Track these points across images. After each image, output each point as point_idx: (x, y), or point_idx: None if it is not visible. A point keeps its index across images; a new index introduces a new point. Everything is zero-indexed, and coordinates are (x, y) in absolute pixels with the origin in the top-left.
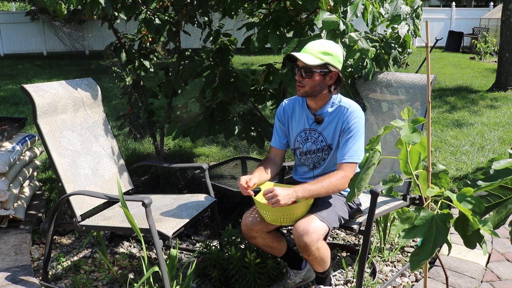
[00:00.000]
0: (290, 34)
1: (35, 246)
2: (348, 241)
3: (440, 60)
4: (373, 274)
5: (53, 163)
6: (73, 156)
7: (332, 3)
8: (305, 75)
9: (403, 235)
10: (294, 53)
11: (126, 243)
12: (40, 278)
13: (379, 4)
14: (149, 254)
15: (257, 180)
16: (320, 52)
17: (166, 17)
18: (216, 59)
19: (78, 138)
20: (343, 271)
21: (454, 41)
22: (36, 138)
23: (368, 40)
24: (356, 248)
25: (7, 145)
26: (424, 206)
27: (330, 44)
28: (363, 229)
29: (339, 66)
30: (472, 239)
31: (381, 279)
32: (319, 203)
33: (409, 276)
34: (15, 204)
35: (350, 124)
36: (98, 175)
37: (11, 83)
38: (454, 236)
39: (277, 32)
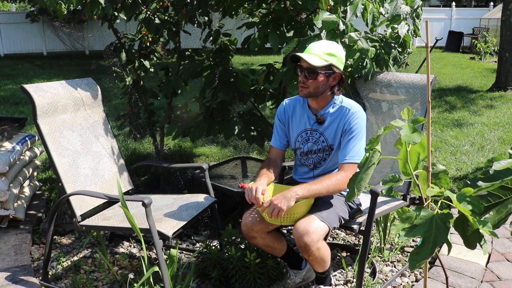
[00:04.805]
0: (290, 34)
1: (35, 246)
2: (348, 241)
3: (440, 60)
4: (373, 274)
5: (53, 163)
6: (73, 156)
7: (332, 3)
8: (309, 76)
9: (403, 234)
10: (299, 54)
11: (126, 243)
12: (40, 278)
13: (379, 4)
14: (149, 254)
15: (266, 186)
16: (325, 53)
17: (166, 17)
18: (216, 59)
19: (78, 138)
20: (343, 271)
21: (454, 41)
22: (36, 138)
23: (368, 40)
24: (356, 248)
25: (7, 145)
26: (424, 206)
27: (334, 45)
28: (363, 229)
29: (342, 67)
30: (472, 239)
31: (381, 279)
32: (320, 203)
33: (409, 276)
34: (15, 204)
35: (352, 125)
36: (98, 175)
37: (11, 83)
38: (454, 236)
39: (277, 32)
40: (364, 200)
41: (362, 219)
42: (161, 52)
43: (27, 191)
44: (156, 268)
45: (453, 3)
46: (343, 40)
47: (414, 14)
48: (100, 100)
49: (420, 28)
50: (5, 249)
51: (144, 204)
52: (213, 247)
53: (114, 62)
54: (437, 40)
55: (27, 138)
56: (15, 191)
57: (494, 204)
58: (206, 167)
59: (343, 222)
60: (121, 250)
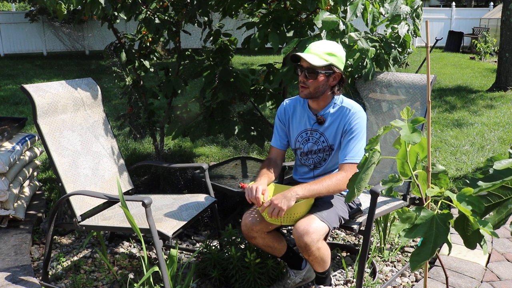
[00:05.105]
0: (290, 34)
1: (35, 246)
2: (348, 241)
3: (440, 60)
4: (373, 274)
5: (53, 163)
6: (73, 156)
7: (332, 3)
8: (309, 75)
9: (404, 235)
10: (300, 54)
11: (126, 243)
12: (40, 278)
13: (379, 4)
14: (149, 254)
15: (266, 186)
16: (325, 53)
17: (166, 17)
18: (216, 59)
19: (78, 138)
20: (343, 271)
21: (454, 41)
22: (36, 138)
23: (368, 40)
24: (356, 248)
25: (7, 145)
26: (424, 206)
27: (334, 45)
28: (363, 229)
29: (342, 67)
30: (472, 239)
31: (381, 279)
32: (320, 203)
33: (409, 276)
34: (15, 204)
35: (352, 125)
36: (98, 175)
37: (11, 83)
38: (454, 236)
39: (277, 32)
40: (364, 200)
41: (362, 219)
42: (161, 52)
43: (27, 191)
44: (156, 268)
45: (453, 3)
46: (343, 40)
47: (414, 14)
48: (100, 100)
49: (420, 28)
50: (5, 249)
51: (144, 204)
52: (213, 247)
53: (114, 62)
54: (437, 40)
55: (27, 138)
56: (15, 191)
57: (494, 204)
58: (206, 167)
59: (343, 222)
60: (121, 250)
